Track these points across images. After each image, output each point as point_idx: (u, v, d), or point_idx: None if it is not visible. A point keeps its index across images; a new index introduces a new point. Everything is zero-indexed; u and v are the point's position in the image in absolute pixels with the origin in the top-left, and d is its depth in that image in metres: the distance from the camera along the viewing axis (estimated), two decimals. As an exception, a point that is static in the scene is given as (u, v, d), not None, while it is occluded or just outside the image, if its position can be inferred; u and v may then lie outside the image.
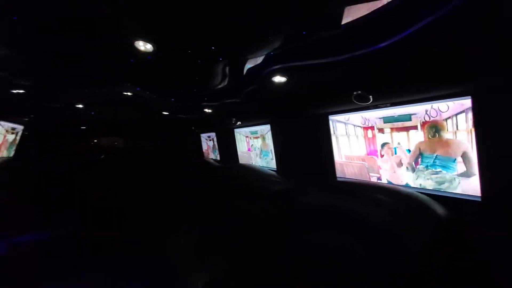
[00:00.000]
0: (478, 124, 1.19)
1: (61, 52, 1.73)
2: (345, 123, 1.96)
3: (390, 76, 1.36)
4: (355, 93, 1.50)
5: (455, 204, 1.37)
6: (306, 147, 2.30)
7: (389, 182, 1.78)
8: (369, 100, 1.50)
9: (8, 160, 3.51)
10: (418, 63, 1.19)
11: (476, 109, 1.18)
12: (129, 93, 2.77)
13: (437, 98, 1.32)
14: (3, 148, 3.36)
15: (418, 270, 1.16)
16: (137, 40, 1.33)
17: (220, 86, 2.46)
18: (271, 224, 2.21)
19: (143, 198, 5.22)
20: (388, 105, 1.56)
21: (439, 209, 1.28)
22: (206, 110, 3.03)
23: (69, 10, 1.14)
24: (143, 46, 1.40)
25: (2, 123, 3.09)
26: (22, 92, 2.33)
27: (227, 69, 2.01)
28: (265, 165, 3.10)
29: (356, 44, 1.25)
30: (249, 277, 1.99)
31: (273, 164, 2.90)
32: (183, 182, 4.86)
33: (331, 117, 2.01)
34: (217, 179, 3.66)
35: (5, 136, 3.33)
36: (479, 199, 1.27)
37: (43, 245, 2.96)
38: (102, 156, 5.66)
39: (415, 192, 1.38)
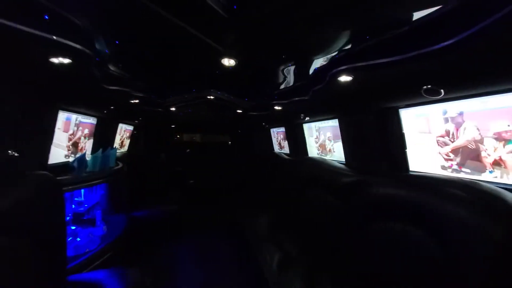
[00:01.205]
0: None
1: (161, 71, 2.25)
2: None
3: (464, 69, 1.32)
4: (424, 87, 1.50)
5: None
6: (376, 140, 2.31)
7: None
8: (440, 93, 1.47)
9: (125, 153, 4.54)
10: (495, 55, 1.15)
11: None
12: (211, 97, 3.26)
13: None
14: (124, 143, 4.38)
15: (491, 269, 1.14)
16: (224, 58, 1.65)
17: (288, 86, 2.68)
18: (340, 214, 2.32)
19: (223, 185, 5.97)
20: (461, 97, 1.50)
21: None
22: (276, 107, 3.29)
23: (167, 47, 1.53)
24: (227, 62, 1.72)
25: (122, 125, 4.02)
26: (136, 102, 3.03)
27: (295, 70, 2.21)
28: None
29: (427, 40, 1.27)
30: (319, 257, 2.20)
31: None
32: (256, 172, 5.32)
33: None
34: (288, 170, 3.91)
35: (122, 135, 4.33)
36: None
37: (153, 218, 3.78)
38: (188, 150, 6.61)
39: (493, 187, 1.32)
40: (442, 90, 1.47)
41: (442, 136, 1.81)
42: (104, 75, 1.95)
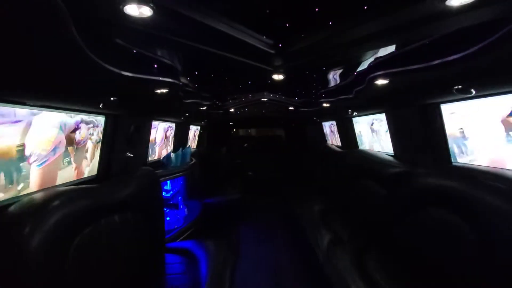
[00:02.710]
0: None
1: (224, 84, 2.78)
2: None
3: (496, 70, 1.45)
4: (456, 87, 1.65)
5: None
6: (420, 134, 2.43)
7: None
8: (471, 92, 1.60)
9: (194, 150, 5.38)
10: None
11: None
12: (265, 99, 3.72)
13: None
14: (193, 141, 5.21)
15: None
16: (274, 74, 2.06)
17: (333, 86, 2.95)
18: (387, 202, 2.53)
19: (279, 175, 6.47)
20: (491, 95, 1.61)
21: None
22: (324, 104, 3.56)
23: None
24: (277, 77, 2.13)
25: (193, 127, 4.81)
26: (204, 108, 3.69)
27: (337, 75, 2.49)
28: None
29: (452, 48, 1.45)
30: (366, 240, 2.47)
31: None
32: (309, 163, 5.64)
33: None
34: (339, 161, 4.14)
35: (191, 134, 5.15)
36: None
37: (221, 204, 4.50)
38: (245, 145, 7.29)
39: None
40: (473, 90, 1.61)
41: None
42: (184, 93, 2.57)
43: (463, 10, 0.99)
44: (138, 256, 2.09)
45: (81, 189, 1.71)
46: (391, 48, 1.72)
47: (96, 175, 2.22)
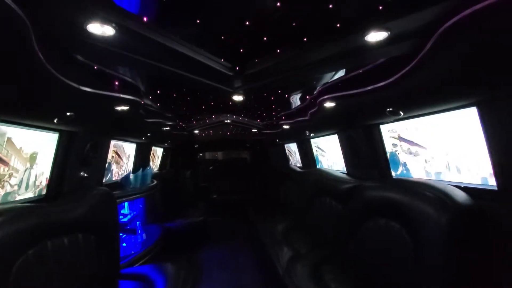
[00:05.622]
0: (486, 128, 1.48)
1: (187, 105, 2.88)
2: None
3: (414, 95, 1.76)
4: (388, 109, 1.94)
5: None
6: (367, 152, 2.72)
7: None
8: (400, 114, 1.91)
9: (156, 172, 5.22)
10: (433, 85, 1.56)
11: (483, 116, 1.49)
12: (228, 120, 3.86)
13: (450, 109, 1.65)
14: (155, 162, 5.08)
15: (443, 251, 1.48)
16: (234, 95, 2.21)
17: (291, 109, 3.21)
18: (341, 215, 2.72)
19: (243, 197, 6.49)
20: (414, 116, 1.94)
21: (463, 198, 1.59)
22: (284, 126, 3.80)
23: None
24: (237, 98, 2.28)
25: (156, 148, 4.72)
26: (167, 129, 3.69)
27: (293, 98, 2.74)
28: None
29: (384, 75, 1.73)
30: (324, 253, 2.60)
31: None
32: (274, 184, 5.79)
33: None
34: (300, 181, 4.34)
35: (154, 155, 5.03)
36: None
37: (183, 228, 4.35)
38: (211, 167, 7.26)
39: (450, 186, 1.69)
40: (401, 112, 1.91)
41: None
42: (146, 112, 2.59)
43: (378, 45, 1.24)
44: (88, 282, 1.95)
45: (28, 207, 1.61)
46: (339, 74, 2.01)
47: (45, 194, 2.09)
